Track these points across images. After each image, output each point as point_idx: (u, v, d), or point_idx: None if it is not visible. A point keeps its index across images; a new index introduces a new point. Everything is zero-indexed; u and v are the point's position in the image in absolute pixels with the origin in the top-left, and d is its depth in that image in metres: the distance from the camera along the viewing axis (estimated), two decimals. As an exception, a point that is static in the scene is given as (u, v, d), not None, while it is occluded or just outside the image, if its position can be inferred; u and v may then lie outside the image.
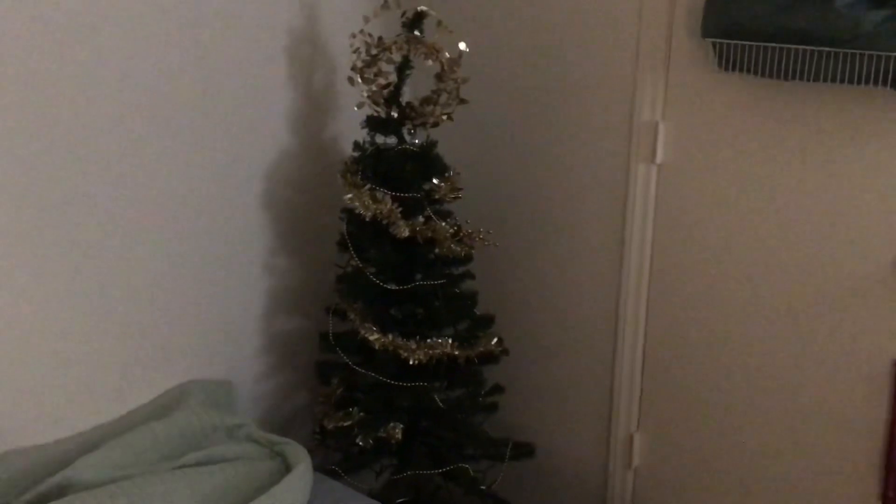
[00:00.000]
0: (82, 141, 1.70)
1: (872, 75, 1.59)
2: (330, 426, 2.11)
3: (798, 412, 1.98)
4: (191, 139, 1.91)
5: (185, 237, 1.95)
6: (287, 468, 1.79)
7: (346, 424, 2.08)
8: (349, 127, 2.28)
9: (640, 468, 2.29)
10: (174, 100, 1.85)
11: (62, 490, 1.60)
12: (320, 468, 2.14)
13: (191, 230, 1.96)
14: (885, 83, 1.58)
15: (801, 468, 2.01)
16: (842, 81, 1.62)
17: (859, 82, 1.60)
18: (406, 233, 1.95)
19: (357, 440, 2.05)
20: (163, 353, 1.96)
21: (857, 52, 1.57)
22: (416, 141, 2.03)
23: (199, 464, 1.76)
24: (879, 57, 1.56)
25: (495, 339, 2.13)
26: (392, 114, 2.01)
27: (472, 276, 2.14)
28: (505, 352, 2.16)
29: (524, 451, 2.30)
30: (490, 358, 2.13)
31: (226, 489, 1.68)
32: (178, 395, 1.95)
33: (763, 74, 1.75)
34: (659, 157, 2.03)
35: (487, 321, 2.16)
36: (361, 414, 2.08)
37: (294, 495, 1.66)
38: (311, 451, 2.14)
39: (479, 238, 2.05)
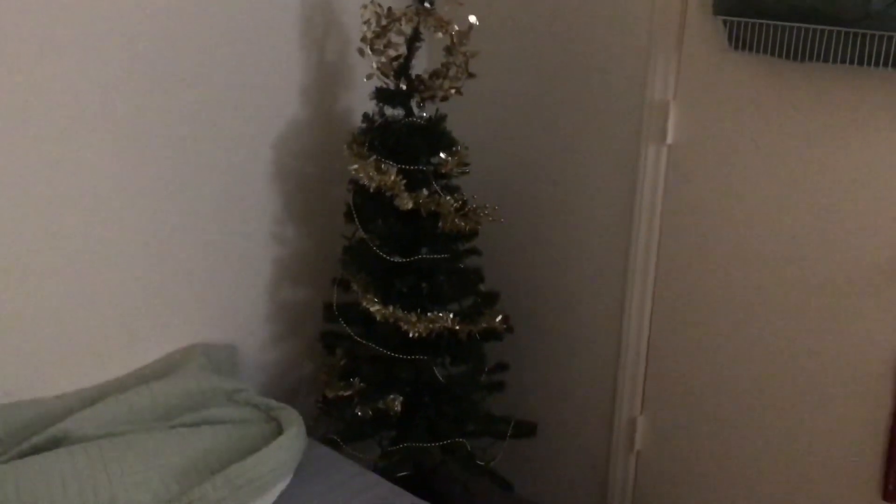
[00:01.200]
0: (95, 102, 1.73)
1: (884, 56, 1.54)
2: (331, 395, 2.12)
3: (800, 403, 1.95)
4: (202, 106, 1.93)
5: (196, 202, 1.98)
6: (280, 432, 1.81)
7: (346, 394, 2.10)
8: (361, 99, 2.29)
9: (642, 452, 2.28)
10: (186, 68, 1.88)
11: (57, 442, 1.64)
12: (322, 437, 2.16)
13: (201, 195, 1.98)
14: (894, 65, 1.53)
15: (803, 459, 1.97)
16: (851, 62, 1.58)
17: (868, 63, 1.56)
18: (409, 205, 1.95)
19: (356, 410, 2.07)
20: (170, 315, 1.99)
21: (867, 31, 1.53)
22: (425, 114, 2.03)
23: (193, 424, 1.79)
24: (889, 37, 1.51)
25: (500, 317, 2.12)
26: (401, 86, 2.01)
27: (479, 253, 2.13)
28: (510, 329, 2.15)
29: (526, 429, 2.29)
30: (493, 334, 2.13)
31: (216, 450, 1.70)
32: (182, 357, 1.98)
33: (773, 54, 1.71)
34: (669, 138, 2.00)
35: (492, 298, 2.16)
36: (362, 385, 2.09)
37: (282, 457, 1.68)
38: (314, 420, 2.17)
39: (485, 214, 2.05)
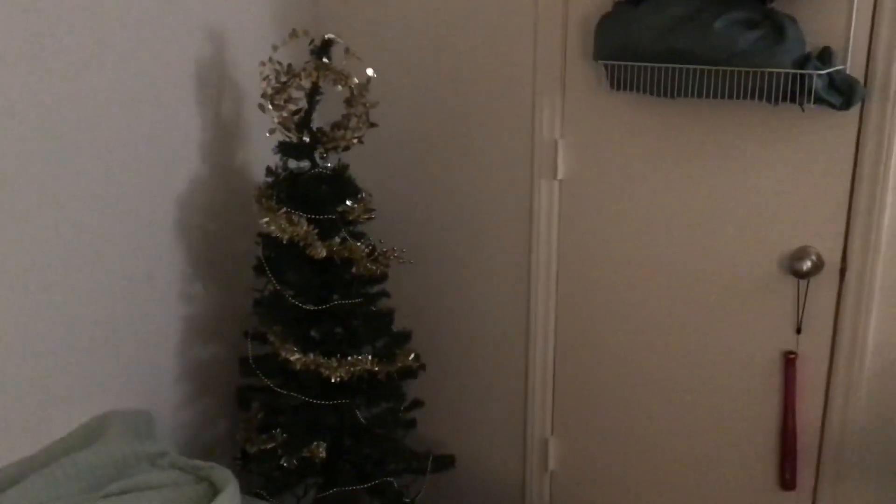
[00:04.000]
0: (-7, 173, 1.69)
1: (749, 90, 1.74)
2: (253, 450, 2.12)
3: (698, 408, 2.12)
4: (102, 169, 1.91)
5: (100, 268, 1.94)
6: (214, 492, 1.80)
7: (269, 447, 2.10)
8: (258, 153, 2.32)
9: (555, 472, 2.39)
10: (83, 130, 1.86)
11: (-15, 527, 1.57)
12: (246, 492, 2.14)
13: (105, 260, 1.95)
14: (759, 97, 1.73)
15: (704, 461, 2.14)
16: (722, 96, 1.77)
17: (738, 97, 1.76)
18: (323, 253, 2.00)
19: (282, 461, 2.08)
20: (80, 385, 1.94)
21: (735, 69, 1.73)
22: (329, 165, 2.09)
23: (123, 492, 1.75)
24: (755, 73, 1.71)
25: (412, 355, 2.19)
26: (304, 139, 2.06)
27: (388, 295, 2.20)
28: (422, 367, 2.22)
29: (445, 462, 2.36)
30: (408, 373, 2.19)
31: (155, 515, 1.68)
32: (98, 426, 1.93)
33: (650, 92, 1.88)
34: (560, 173, 2.15)
35: (404, 337, 2.22)
36: (284, 435, 2.10)
37: (225, 515, 1.67)
38: (235, 477, 2.15)
39: (394, 256, 2.12)
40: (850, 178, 1.81)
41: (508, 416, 2.42)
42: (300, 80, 2.03)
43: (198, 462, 1.91)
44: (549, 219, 2.19)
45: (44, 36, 1.74)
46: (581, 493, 2.36)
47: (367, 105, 2.04)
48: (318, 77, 2.03)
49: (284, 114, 2.05)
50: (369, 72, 2.04)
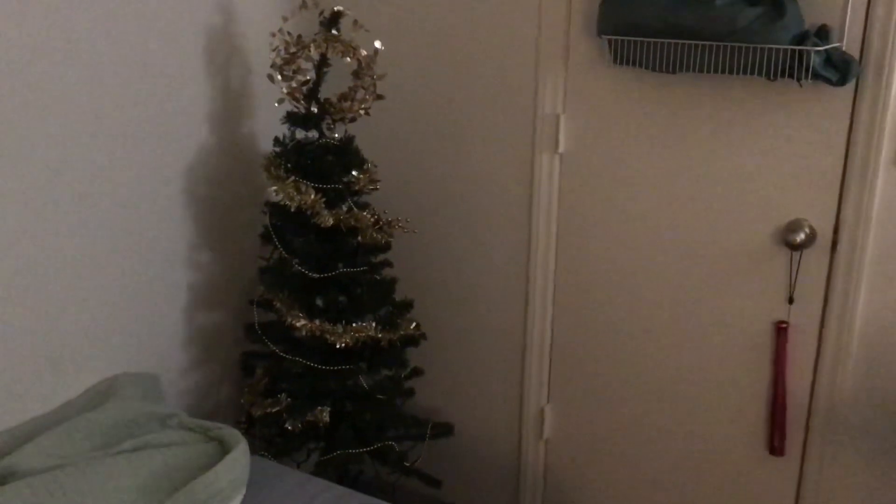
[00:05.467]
0: (5, 134, 1.72)
1: (749, 66, 1.79)
2: (258, 413, 2.17)
3: (690, 377, 2.19)
4: (111, 138, 1.94)
5: (110, 236, 1.98)
6: (224, 450, 1.85)
7: (274, 411, 2.15)
8: (266, 124, 2.35)
9: (550, 440, 2.46)
10: (92, 100, 1.89)
11: (4, 478, 1.61)
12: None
13: (114, 229, 1.99)
14: (758, 72, 1.79)
15: (696, 427, 2.21)
16: (722, 72, 1.83)
17: (737, 72, 1.81)
18: (330, 222, 2.05)
19: (286, 425, 2.13)
20: (90, 347, 1.98)
21: (735, 44, 1.78)
22: (336, 135, 2.13)
23: (136, 449, 1.80)
24: (755, 49, 1.77)
25: (414, 324, 2.24)
26: (312, 109, 2.10)
27: (391, 265, 2.25)
28: (423, 335, 2.27)
29: (444, 430, 2.43)
30: (410, 340, 2.25)
31: (167, 471, 1.72)
32: (108, 387, 1.97)
33: (653, 68, 1.93)
34: (561, 147, 2.20)
35: (406, 306, 2.27)
36: (289, 400, 2.15)
37: (236, 472, 1.72)
38: (239, 440, 2.19)
39: (399, 226, 2.17)
40: (843, 152, 1.87)
41: (505, 384, 2.48)
42: (309, 51, 2.07)
43: (206, 423, 1.96)
44: (549, 191, 2.25)
45: (55, 9, 1.77)
46: (575, 461, 2.43)
47: (375, 77, 2.09)
48: (326, 48, 2.06)
49: (293, 84, 2.09)
50: (377, 44, 2.08)
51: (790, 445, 2.09)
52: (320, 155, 2.10)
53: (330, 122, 2.12)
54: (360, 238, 2.12)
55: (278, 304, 2.13)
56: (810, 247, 1.95)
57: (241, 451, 1.79)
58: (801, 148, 1.91)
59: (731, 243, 2.05)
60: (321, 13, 2.06)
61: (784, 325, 2.02)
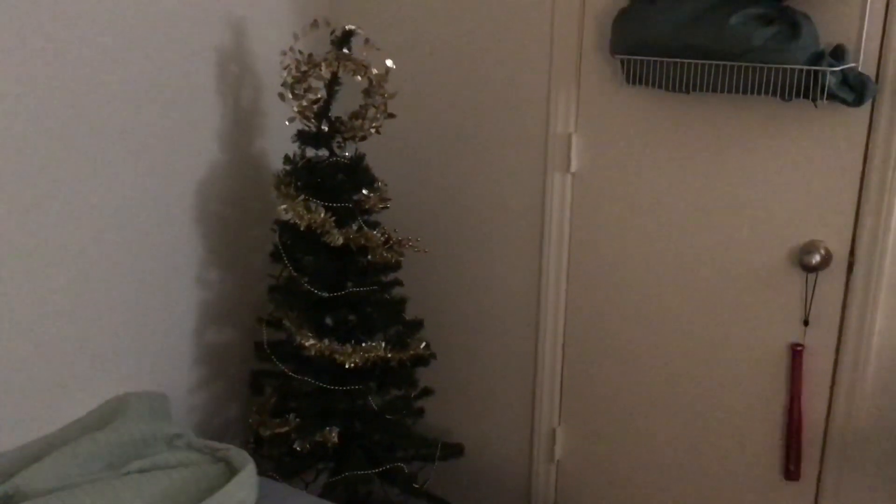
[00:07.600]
0: (14, 156, 1.71)
1: (763, 86, 1.78)
2: (266, 434, 2.15)
3: (705, 399, 2.16)
4: (123, 156, 1.94)
5: (120, 253, 1.97)
6: (232, 471, 1.83)
7: (282, 431, 2.13)
8: (276, 142, 2.35)
9: (562, 461, 2.43)
10: (106, 118, 1.89)
11: (9, 500, 1.60)
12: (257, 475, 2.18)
13: (124, 246, 1.98)
14: (773, 92, 1.77)
15: (710, 451, 2.18)
16: (736, 92, 1.81)
17: (752, 92, 1.79)
18: (340, 241, 2.03)
19: (294, 445, 2.11)
20: (98, 366, 1.97)
21: (750, 64, 1.76)
22: (346, 154, 2.12)
23: (143, 471, 1.78)
24: (769, 69, 1.75)
25: (424, 343, 2.22)
26: (322, 128, 2.09)
27: (401, 284, 2.23)
28: (433, 355, 2.25)
29: (454, 451, 2.40)
30: (420, 360, 2.23)
31: (174, 492, 1.71)
32: (116, 406, 1.96)
33: (666, 88, 1.92)
34: (573, 167, 2.19)
35: (416, 325, 2.25)
36: (297, 420, 2.13)
37: (245, 494, 1.71)
38: (247, 460, 2.17)
39: (410, 245, 2.15)
40: (859, 173, 1.84)
41: (516, 405, 2.45)
42: (320, 69, 2.06)
43: (214, 443, 1.95)
44: (561, 211, 2.23)
45: (67, 27, 1.77)
46: (587, 483, 2.40)
47: (386, 96, 2.08)
48: (337, 67, 2.06)
49: (304, 103, 2.08)
50: (388, 63, 2.07)
51: (806, 470, 2.06)
52: (331, 173, 2.09)
53: (340, 140, 2.11)
54: (369, 257, 2.11)
55: (287, 323, 2.12)
56: (826, 268, 1.92)
57: (248, 473, 1.78)
58: (817, 168, 1.89)
59: (746, 265, 2.02)
60: (332, 32, 2.06)
61: (799, 348, 1.99)
